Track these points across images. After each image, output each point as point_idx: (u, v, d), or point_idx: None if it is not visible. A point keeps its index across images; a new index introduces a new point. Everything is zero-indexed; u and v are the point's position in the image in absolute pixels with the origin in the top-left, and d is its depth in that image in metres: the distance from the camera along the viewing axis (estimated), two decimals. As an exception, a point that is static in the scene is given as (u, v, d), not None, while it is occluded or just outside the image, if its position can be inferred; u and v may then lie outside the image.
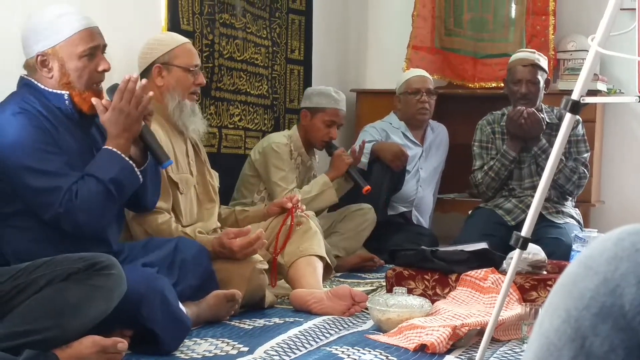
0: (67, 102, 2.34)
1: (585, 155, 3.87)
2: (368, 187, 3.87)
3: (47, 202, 2.21)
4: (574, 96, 1.74)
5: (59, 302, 1.96)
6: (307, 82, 4.60)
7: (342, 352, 2.28)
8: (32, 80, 2.35)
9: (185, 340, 2.29)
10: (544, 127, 3.79)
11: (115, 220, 2.45)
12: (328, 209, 4.08)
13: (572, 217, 3.87)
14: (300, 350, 2.29)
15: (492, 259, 2.93)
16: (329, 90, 3.98)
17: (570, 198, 3.92)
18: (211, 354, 2.23)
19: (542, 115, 3.80)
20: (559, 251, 3.37)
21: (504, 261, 2.85)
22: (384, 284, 3.24)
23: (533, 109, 3.76)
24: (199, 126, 2.97)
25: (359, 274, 3.81)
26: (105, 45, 2.41)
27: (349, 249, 3.99)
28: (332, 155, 3.96)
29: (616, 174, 4.97)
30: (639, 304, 0.61)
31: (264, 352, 2.24)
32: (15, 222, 2.28)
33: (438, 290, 2.94)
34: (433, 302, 2.74)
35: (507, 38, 4.99)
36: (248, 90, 4.13)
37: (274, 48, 4.37)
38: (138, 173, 2.34)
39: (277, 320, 2.68)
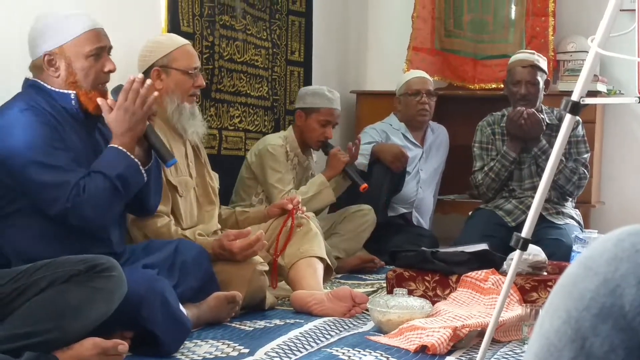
0: (73, 101, 2.35)
1: (586, 156, 3.87)
2: (365, 184, 3.86)
3: (55, 196, 2.21)
4: (574, 97, 1.74)
5: (59, 304, 1.96)
6: (307, 83, 4.58)
7: (343, 353, 2.28)
8: (38, 80, 2.36)
9: (185, 342, 2.29)
10: (544, 127, 3.79)
11: (117, 222, 2.45)
12: (328, 210, 4.08)
13: (573, 218, 3.87)
14: (301, 352, 2.29)
15: (493, 260, 2.93)
16: (323, 90, 3.96)
17: (570, 199, 3.92)
18: (212, 356, 2.23)
19: (542, 116, 3.80)
20: (559, 252, 3.37)
21: (505, 262, 2.85)
22: (385, 285, 3.24)
23: (533, 110, 3.76)
24: (198, 129, 2.96)
25: (359, 275, 3.81)
26: (110, 47, 2.43)
27: (349, 250, 3.98)
28: (328, 155, 3.96)
29: (616, 175, 4.97)
30: (639, 305, 0.61)
31: (265, 353, 2.24)
32: (16, 221, 2.28)
33: (438, 292, 2.94)
34: (433, 303, 2.74)
35: (507, 39, 5.00)
36: (248, 91, 4.13)
37: (274, 49, 4.37)
38: (143, 171, 2.35)
39: (277, 321, 2.68)
